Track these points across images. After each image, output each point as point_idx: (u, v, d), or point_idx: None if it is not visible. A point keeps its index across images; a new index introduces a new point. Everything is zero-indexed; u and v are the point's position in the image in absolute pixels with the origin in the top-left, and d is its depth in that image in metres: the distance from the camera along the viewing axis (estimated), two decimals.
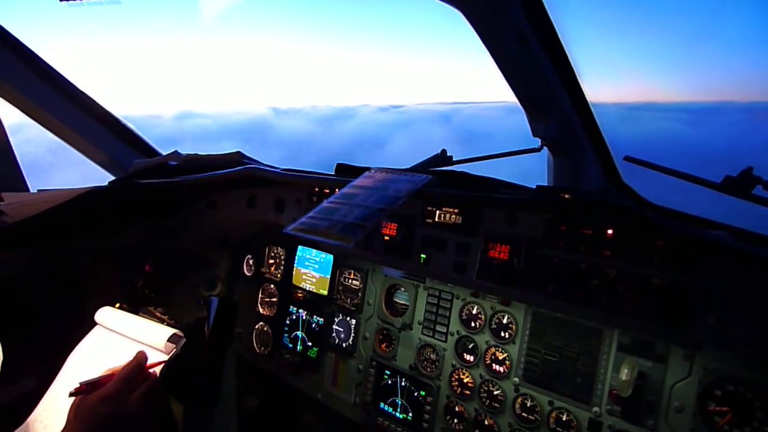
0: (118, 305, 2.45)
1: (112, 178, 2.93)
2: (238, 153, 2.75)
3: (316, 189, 2.40)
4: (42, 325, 2.75)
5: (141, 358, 1.75)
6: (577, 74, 2.15)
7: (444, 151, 2.56)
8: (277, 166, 2.58)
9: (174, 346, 2.00)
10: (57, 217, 2.47)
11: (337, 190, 2.01)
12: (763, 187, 1.85)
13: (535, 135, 2.33)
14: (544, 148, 2.44)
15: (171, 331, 2.05)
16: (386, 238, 2.16)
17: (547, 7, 1.95)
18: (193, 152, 2.83)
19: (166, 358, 1.94)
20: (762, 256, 1.38)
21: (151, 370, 1.81)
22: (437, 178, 1.89)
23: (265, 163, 2.74)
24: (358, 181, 1.87)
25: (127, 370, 1.67)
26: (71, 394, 1.63)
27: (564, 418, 1.86)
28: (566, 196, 1.76)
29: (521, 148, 2.54)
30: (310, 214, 1.64)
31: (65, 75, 2.82)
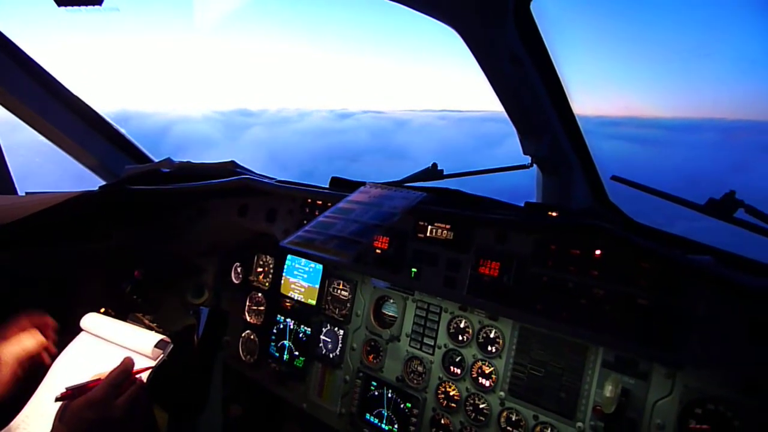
0: (103, 310, 2.43)
1: (103, 182, 2.91)
2: (232, 162, 2.76)
3: (309, 201, 2.42)
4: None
5: (128, 363, 1.75)
6: (567, 95, 2.19)
7: (435, 165, 2.59)
8: (272, 177, 2.59)
9: (161, 352, 2.00)
10: (45, 221, 2.46)
11: (329, 204, 2.03)
12: (745, 210, 1.90)
13: (525, 153, 2.37)
14: (534, 165, 2.48)
15: (158, 337, 2.04)
16: (378, 251, 2.18)
17: (540, 29, 2.00)
18: (186, 160, 2.83)
19: (153, 363, 1.94)
20: (742, 284, 1.43)
21: (137, 376, 1.81)
22: (432, 196, 1.93)
23: (258, 173, 2.75)
24: (353, 196, 1.89)
25: (113, 375, 1.68)
26: (57, 399, 1.63)
27: None
28: (553, 213, 1.81)
29: (511, 165, 2.57)
30: (307, 227, 1.66)
31: (57, 77, 2.80)
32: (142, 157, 3.21)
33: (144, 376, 1.85)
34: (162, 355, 1.99)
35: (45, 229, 2.55)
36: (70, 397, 1.63)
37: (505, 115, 2.27)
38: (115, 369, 1.70)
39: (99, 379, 1.69)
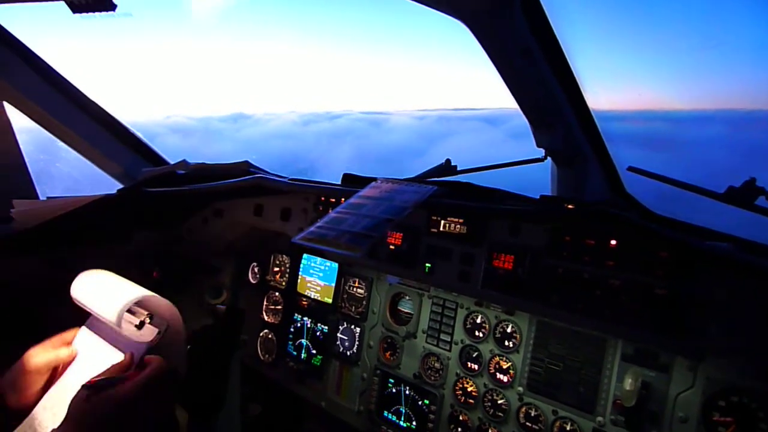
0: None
1: (120, 186, 2.96)
2: (246, 162, 2.79)
3: (322, 198, 2.43)
4: (47, 332, 2.77)
5: (160, 366, 1.75)
6: (580, 86, 2.17)
7: (448, 161, 2.59)
8: (285, 176, 2.61)
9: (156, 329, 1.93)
10: (66, 225, 2.50)
11: (343, 200, 2.04)
12: (766, 197, 1.86)
13: (539, 146, 2.35)
14: (548, 158, 2.46)
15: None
16: (391, 247, 2.18)
17: (550, 20, 1.98)
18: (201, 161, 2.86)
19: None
20: (763, 267, 1.40)
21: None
22: (443, 189, 1.92)
23: (272, 172, 2.77)
24: (364, 192, 1.89)
25: (145, 377, 1.69)
26: (84, 387, 1.65)
27: (568, 428, 1.86)
28: (569, 206, 1.78)
29: (525, 158, 2.56)
30: (319, 223, 1.66)
31: (75, 83, 2.86)
32: (157, 160, 3.25)
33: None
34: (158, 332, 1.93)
35: (65, 233, 2.60)
36: (96, 387, 1.65)
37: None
38: (147, 372, 1.71)
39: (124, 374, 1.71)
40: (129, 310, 1.95)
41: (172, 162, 3.09)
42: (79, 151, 2.99)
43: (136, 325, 1.93)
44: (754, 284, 1.42)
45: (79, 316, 2.68)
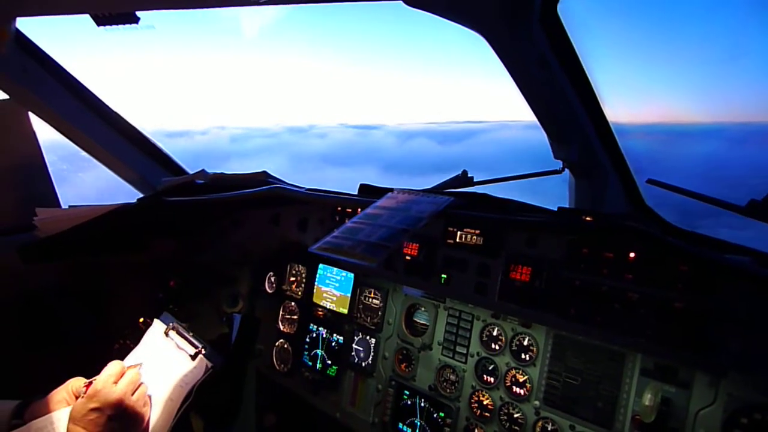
0: (142, 320, 2.50)
1: (141, 195, 3.01)
2: (264, 173, 2.82)
3: (339, 209, 2.44)
4: (67, 337, 2.82)
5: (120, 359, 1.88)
6: (598, 97, 2.16)
7: (465, 172, 2.58)
8: (302, 186, 2.63)
9: (209, 362, 2.08)
10: (87, 233, 2.55)
11: (359, 210, 2.05)
12: None
13: (556, 157, 2.34)
14: (566, 170, 2.44)
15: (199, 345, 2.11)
16: (407, 257, 2.18)
17: (568, 31, 1.98)
18: (219, 171, 2.90)
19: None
20: None
21: (135, 367, 1.90)
22: (459, 200, 1.92)
23: (289, 182, 2.80)
24: (381, 202, 1.90)
25: (110, 367, 1.79)
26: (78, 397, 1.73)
27: None
28: (588, 218, 1.77)
29: (543, 170, 2.54)
30: (335, 233, 1.68)
31: (97, 93, 2.93)
32: (177, 170, 3.31)
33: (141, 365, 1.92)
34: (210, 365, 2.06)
35: (86, 241, 2.65)
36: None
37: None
38: (131, 367, 1.83)
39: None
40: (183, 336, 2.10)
41: (191, 172, 3.14)
42: (100, 160, 3.05)
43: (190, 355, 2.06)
44: None
45: (98, 322, 2.74)
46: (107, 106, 2.95)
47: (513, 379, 2.05)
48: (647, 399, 1.61)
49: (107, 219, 2.57)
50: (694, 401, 1.62)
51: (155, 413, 1.92)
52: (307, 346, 2.84)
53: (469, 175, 2.59)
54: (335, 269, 2.76)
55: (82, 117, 2.87)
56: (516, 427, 2.02)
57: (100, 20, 2.10)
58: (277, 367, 2.96)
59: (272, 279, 3.10)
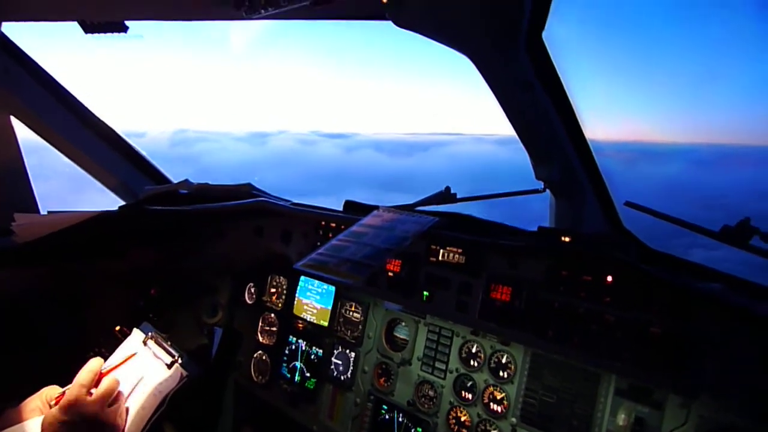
0: (118, 328, 2.47)
1: (122, 203, 2.98)
2: (249, 185, 2.81)
3: (323, 223, 2.45)
4: (44, 344, 2.76)
5: (94, 363, 1.82)
6: (579, 120, 2.21)
7: (448, 189, 2.60)
8: (288, 200, 2.64)
9: (185, 371, 2.06)
10: (65, 239, 2.52)
11: (343, 227, 2.06)
12: (760, 237, 1.89)
13: (538, 177, 2.38)
14: (547, 189, 2.48)
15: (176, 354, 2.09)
16: (390, 274, 2.20)
17: (552, 56, 2.02)
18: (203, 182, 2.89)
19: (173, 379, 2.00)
20: (754, 312, 1.43)
21: (110, 375, 1.88)
22: (444, 221, 1.95)
23: (274, 195, 2.79)
24: (366, 220, 1.92)
25: (82, 375, 1.75)
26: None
27: None
28: (566, 239, 1.81)
29: (525, 189, 2.58)
30: (320, 250, 1.69)
31: (81, 99, 2.89)
32: (160, 178, 3.28)
33: (116, 373, 1.92)
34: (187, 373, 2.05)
35: (65, 248, 2.61)
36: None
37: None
38: (83, 369, 1.78)
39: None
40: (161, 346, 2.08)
41: (174, 181, 3.12)
42: (81, 166, 3.00)
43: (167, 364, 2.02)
44: (746, 326, 1.44)
45: (76, 329, 2.70)
46: (90, 112, 2.92)
47: (491, 396, 2.08)
48: (621, 419, 1.65)
49: (88, 226, 2.54)
50: (666, 422, 1.66)
51: (127, 421, 1.89)
52: (286, 358, 2.83)
53: (452, 192, 2.61)
54: (316, 282, 2.77)
55: (64, 122, 2.83)
56: None
57: (88, 28, 2.09)
58: (255, 379, 2.95)
59: (252, 290, 3.09)
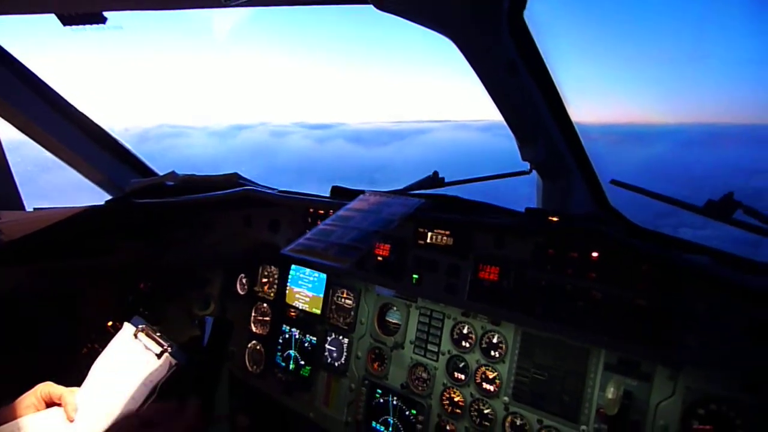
0: (110, 323, 2.46)
1: (109, 197, 2.95)
2: (235, 174, 2.79)
3: (311, 210, 2.45)
4: (37, 342, 2.75)
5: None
6: (563, 100, 2.21)
7: (436, 173, 2.61)
8: (274, 188, 2.63)
9: (174, 360, 2.06)
10: (53, 236, 2.50)
11: (331, 212, 2.07)
12: (743, 211, 1.91)
13: (524, 159, 2.38)
14: (534, 171, 2.49)
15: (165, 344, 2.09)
16: (379, 258, 2.21)
17: (534, 36, 2.02)
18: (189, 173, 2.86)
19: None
20: (740, 284, 1.45)
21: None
22: (430, 202, 1.95)
23: (261, 184, 2.78)
24: (352, 204, 1.92)
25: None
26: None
27: None
28: (553, 219, 1.83)
29: (511, 171, 2.59)
30: (307, 235, 1.69)
31: (62, 93, 2.85)
32: (146, 171, 3.24)
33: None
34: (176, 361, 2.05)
35: (53, 245, 2.59)
36: None
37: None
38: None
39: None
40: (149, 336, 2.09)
41: (160, 173, 3.09)
42: (65, 161, 2.96)
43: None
44: (731, 298, 1.46)
45: (68, 326, 2.68)
46: (71, 105, 2.87)
47: (483, 376, 2.10)
48: (610, 392, 1.67)
49: (75, 222, 2.52)
50: (654, 394, 1.70)
51: (115, 412, 1.90)
52: (279, 347, 2.84)
53: (440, 176, 2.62)
54: (308, 270, 2.77)
55: (46, 116, 2.78)
56: (486, 423, 2.07)
57: (66, 20, 2.06)
58: (250, 369, 2.96)
59: (244, 281, 3.09)
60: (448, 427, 2.18)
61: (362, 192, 2.08)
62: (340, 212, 1.85)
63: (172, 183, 2.83)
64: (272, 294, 2.93)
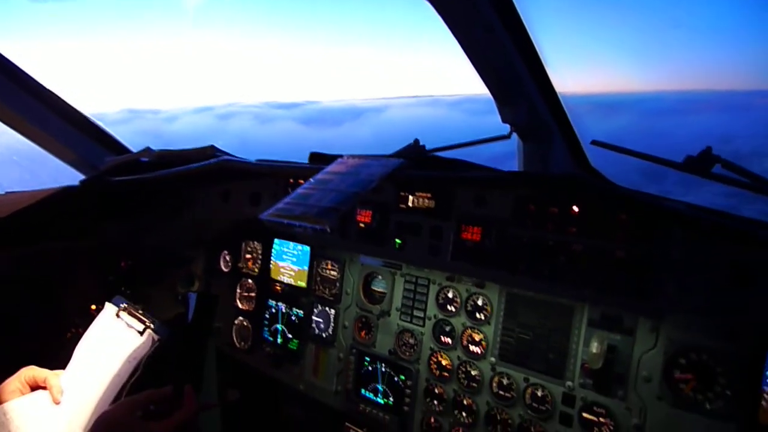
0: (94, 307, 2.43)
1: (83, 177, 2.88)
2: (212, 147, 2.73)
3: (291, 180, 2.42)
4: (18, 328, 2.71)
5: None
6: (543, 60, 2.19)
7: (416, 141, 2.59)
8: (250, 158, 2.58)
9: (156, 335, 2.05)
10: (28, 219, 2.44)
11: (312, 179, 2.04)
12: (722, 165, 1.92)
13: (504, 121, 2.37)
14: (513, 135, 2.48)
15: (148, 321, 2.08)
16: (361, 225, 2.20)
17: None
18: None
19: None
20: (716, 223, 1.46)
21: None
22: (409, 162, 1.93)
23: (238, 156, 2.73)
24: (331, 168, 1.90)
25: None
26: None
27: (539, 394, 1.92)
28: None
29: (492, 136, 2.57)
30: (286, 200, 1.67)
31: (31, 73, 2.75)
32: (120, 149, 3.17)
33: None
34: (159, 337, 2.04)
35: (28, 228, 2.54)
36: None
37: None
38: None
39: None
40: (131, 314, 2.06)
41: (134, 150, 3.02)
42: (35, 142, 2.87)
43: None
44: (707, 244, 1.48)
45: (49, 311, 2.63)
46: (40, 85, 2.78)
47: (469, 339, 2.12)
48: (594, 347, 1.69)
49: (49, 203, 2.47)
50: (637, 347, 1.72)
51: (101, 390, 1.88)
52: (266, 322, 2.83)
53: (420, 144, 2.60)
54: (292, 244, 2.75)
55: (13, 96, 2.70)
56: (474, 384, 2.09)
57: None
58: (238, 345, 2.95)
59: (227, 257, 3.06)
60: (436, 390, 2.20)
61: (340, 156, 2.06)
62: (318, 176, 1.83)
63: (147, 159, 2.77)
64: (256, 269, 2.90)
